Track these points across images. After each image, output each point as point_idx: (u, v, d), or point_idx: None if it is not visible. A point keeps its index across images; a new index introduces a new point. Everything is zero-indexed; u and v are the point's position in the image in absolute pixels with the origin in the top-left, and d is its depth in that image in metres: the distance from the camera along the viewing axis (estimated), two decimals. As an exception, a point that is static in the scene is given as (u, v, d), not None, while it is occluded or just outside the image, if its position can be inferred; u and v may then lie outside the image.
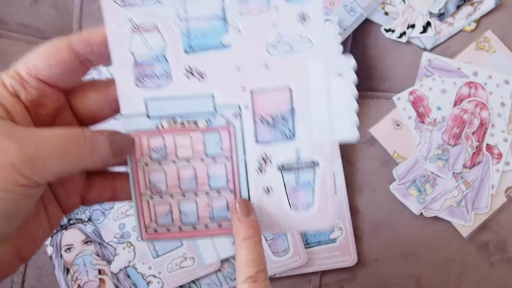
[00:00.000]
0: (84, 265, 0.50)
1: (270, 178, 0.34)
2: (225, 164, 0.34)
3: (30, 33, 0.53)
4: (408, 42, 0.52)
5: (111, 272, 0.50)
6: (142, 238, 0.35)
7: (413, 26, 0.52)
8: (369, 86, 0.54)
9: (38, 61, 0.30)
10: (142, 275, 0.50)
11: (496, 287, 0.52)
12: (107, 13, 0.32)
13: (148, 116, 0.33)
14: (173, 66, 0.33)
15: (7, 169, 0.25)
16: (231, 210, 0.34)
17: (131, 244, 0.50)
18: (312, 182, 0.34)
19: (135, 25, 0.32)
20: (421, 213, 0.52)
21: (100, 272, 0.50)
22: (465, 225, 0.51)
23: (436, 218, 0.52)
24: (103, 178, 0.35)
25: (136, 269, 0.50)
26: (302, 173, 0.34)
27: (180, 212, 0.35)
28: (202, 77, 0.33)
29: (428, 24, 0.52)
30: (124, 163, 0.34)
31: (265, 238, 0.51)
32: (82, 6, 0.53)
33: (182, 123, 0.33)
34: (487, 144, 0.51)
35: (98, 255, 0.50)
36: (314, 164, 0.34)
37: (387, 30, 0.52)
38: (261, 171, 0.34)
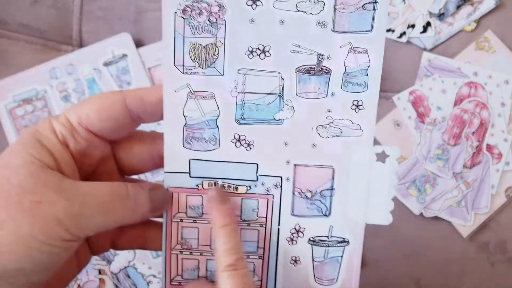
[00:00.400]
0: (84, 265, 0.50)
1: (299, 250, 0.35)
2: (259, 230, 0.35)
3: (30, 33, 0.53)
4: (408, 42, 0.52)
5: (111, 272, 0.50)
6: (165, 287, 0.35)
7: (413, 26, 0.52)
8: (369, 86, 0.54)
9: (90, 112, 0.30)
10: (142, 275, 0.50)
11: (496, 287, 0.52)
12: (167, 76, 0.32)
13: (190, 176, 0.34)
14: (223, 133, 0.33)
15: (54, 224, 0.26)
16: (208, 199, 0.34)
17: (131, 244, 0.51)
18: (340, 259, 0.35)
19: (192, 91, 0.33)
20: (421, 213, 0.52)
21: (100, 272, 0.50)
22: (465, 225, 0.51)
23: (436, 218, 0.52)
24: (136, 227, 0.35)
25: (136, 269, 0.50)
26: (332, 249, 0.35)
27: (206, 269, 0.35)
28: (250, 147, 0.33)
29: (428, 24, 0.52)
30: (160, 216, 0.34)
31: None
32: (82, 6, 0.53)
33: (223, 186, 0.34)
34: (487, 144, 0.51)
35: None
36: (344, 242, 0.35)
37: (387, 30, 0.52)
38: (292, 242, 0.35)
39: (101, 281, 0.50)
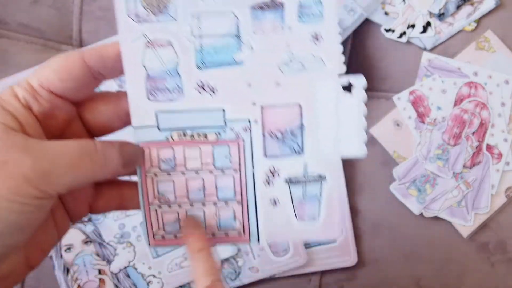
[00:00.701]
0: (84, 265, 0.50)
1: (277, 190, 0.34)
2: (234, 176, 0.34)
3: (30, 33, 0.53)
4: (408, 42, 0.52)
5: (111, 272, 0.50)
6: (149, 244, 0.35)
7: (413, 26, 0.52)
8: (369, 86, 0.54)
9: (50, 74, 0.30)
10: (142, 275, 0.50)
11: (496, 287, 0.52)
12: (121, 28, 0.32)
13: (158, 128, 0.34)
14: (185, 81, 0.33)
15: (21, 182, 0.26)
16: (182, 226, 0.34)
17: (131, 244, 0.50)
18: (319, 196, 0.35)
19: (149, 40, 0.32)
20: (421, 213, 0.52)
21: (100, 272, 0.50)
22: (465, 225, 0.51)
23: (436, 218, 0.52)
24: (111, 187, 0.35)
25: (136, 269, 0.50)
26: (309, 186, 0.35)
27: None
28: (214, 92, 0.33)
29: (428, 24, 0.52)
30: (134, 173, 0.34)
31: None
32: (82, 6, 0.53)
33: (192, 136, 0.34)
34: (487, 144, 0.51)
35: (98, 255, 0.50)
36: (321, 178, 0.34)
37: (387, 30, 0.52)
38: (268, 183, 0.35)
39: (101, 281, 0.50)
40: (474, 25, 0.52)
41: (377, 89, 0.54)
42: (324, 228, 0.35)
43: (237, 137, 0.34)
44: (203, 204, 0.35)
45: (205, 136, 0.34)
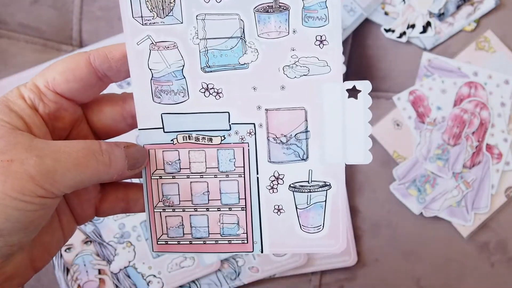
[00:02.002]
0: (84, 265, 0.50)
1: (281, 197, 0.34)
2: (238, 181, 0.34)
3: (30, 33, 0.53)
4: (408, 42, 0.52)
5: (111, 272, 0.50)
6: (153, 249, 0.35)
7: (413, 26, 0.52)
8: (369, 86, 0.54)
9: (56, 75, 0.30)
10: (142, 275, 0.50)
11: (496, 287, 0.52)
12: (127, 29, 0.32)
13: (164, 131, 0.34)
14: (190, 83, 0.33)
15: (26, 181, 0.26)
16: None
17: (131, 244, 0.50)
18: (324, 204, 0.34)
19: (154, 42, 0.33)
20: (421, 213, 0.52)
21: (100, 272, 0.50)
22: (465, 225, 0.51)
23: (436, 218, 0.52)
24: (117, 190, 0.35)
25: (136, 269, 0.50)
26: (314, 194, 0.34)
27: (191, 226, 0.35)
28: (219, 95, 0.33)
29: (428, 24, 0.52)
30: (139, 175, 0.34)
31: (265, 238, 0.51)
32: (82, 6, 0.53)
33: (197, 138, 0.34)
34: (487, 144, 0.51)
35: (98, 255, 0.50)
36: (326, 186, 0.34)
37: (387, 30, 0.52)
38: (273, 190, 0.34)
39: (101, 281, 0.50)
40: (474, 25, 0.52)
41: (377, 89, 0.54)
42: (328, 239, 0.35)
43: (242, 141, 0.34)
44: (207, 209, 0.35)
45: (210, 139, 0.34)
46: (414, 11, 0.52)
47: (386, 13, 0.52)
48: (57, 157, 0.27)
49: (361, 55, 0.53)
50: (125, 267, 0.50)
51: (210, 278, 0.51)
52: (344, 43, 0.52)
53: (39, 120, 0.30)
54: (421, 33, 0.52)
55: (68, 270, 0.50)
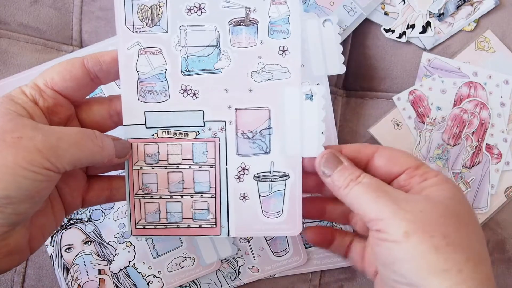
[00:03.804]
0: (84, 265, 0.50)
1: (247, 186, 0.39)
2: (209, 171, 0.39)
3: (30, 33, 0.53)
4: (408, 42, 0.52)
5: (111, 272, 0.50)
6: (131, 233, 0.40)
7: (413, 26, 0.52)
8: (369, 86, 0.54)
9: (54, 75, 0.35)
10: (142, 274, 0.51)
11: (496, 287, 0.52)
12: (120, 36, 0.38)
13: (146, 127, 0.38)
14: (171, 85, 0.38)
15: (34, 154, 0.30)
16: (318, 171, 0.37)
17: (131, 244, 0.51)
18: (283, 192, 0.39)
19: (142, 48, 0.38)
20: (421, 213, 0.52)
21: (100, 272, 0.50)
22: (465, 225, 0.51)
23: (436, 218, 0.52)
24: (101, 181, 0.40)
25: (136, 268, 0.51)
26: (275, 183, 0.39)
27: (166, 212, 0.40)
28: (196, 96, 0.38)
29: (428, 24, 0.52)
30: (121, 166, 0.39)
31: (265, 238, 0.51)
32: (82, 6, 0.53)
33: (175, 134, 0.39)
34: (486, 144, 0.51)
35: (98, 255, 0.50)
36: (285, 176, 0.39)
37: (387, 30, 0.52)
38: (239, 179, 0.39)
39: (101, 281, 0.50)
40: (473, 25, 0.52)
41: (377, 89, 0.54)
42: (287, 223, 0.39)
43: (214, 136, 0.39)
44: (181, 197, 0.39)
45: (186, 134, 0.39)
46: (414, 11, 0.52)
47: (386, 13, 0.52)
48: (60, 137, 0.31)
49: (361, 55, 0.53)
50: (125, 267, 0.50)
51: (210, 278, 0.51)
52: (344, 43, 0.52)
53: (39, 112, 0.34)
54: (421, 33, 0.52)
55: (68, 270, 0.50)
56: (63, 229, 0.50)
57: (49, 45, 0.53)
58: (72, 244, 0.51)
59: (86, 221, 0.51)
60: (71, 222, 0.51)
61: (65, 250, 0.50)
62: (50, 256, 0.51)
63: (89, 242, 0.50)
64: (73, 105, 0.37)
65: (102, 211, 0.51)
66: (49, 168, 0.30)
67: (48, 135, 0.31)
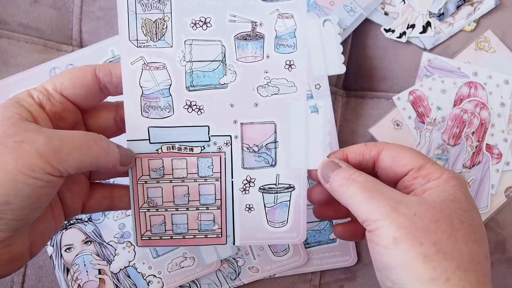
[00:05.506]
0: (84, 265, 0.50)
1: (252, 198, 0.39)
2: (215, 184, 0.39)
3: (30, 33, 0.53)
4: (408, 42, 0.52)
5: (111, 272, 0.50)
6: (137, 244, 0.40)
7: (413, 26, 0.52)
8: (369, 86, 0.54)
9: (64, 80, 0.35)
10: (142, 275, 0.51)
11: (496, 287, 0.52)
12: (124, 50, 0.37)
13: (149, 142, 0.38)
14: (176, 100, 0.38)
15: (36, 158, 0.29)
16: (320, 178, 0.38)
17: (131, 244, 0.50)
18: (288, 203, 0.39)
19: (146, 63, 0.37)
20: (421, 213, 0.52)
21: (100, 272, 0.50)
22: (465, 225, 0.51)
23: (436, 218, 0.52)
24: (103, 188, 0.40)
25: (136, 269, 0.51)
26: (280, 194, 0.39)
27: (172, 223, 0.39)
28: (201, 111, 0.38)
29: (428, 24, 0.52)
30: (125, 174, 0.39)
31: (265, 238, 0.51)
32: (82, 6, 0.53)
33: (180, 148, 0.38)
34: (487, 144, 0.51)
35: (98, 255, 0.50)
36: (290, 188, 0.39)
37: (387, 30, 0.52)
38: (245, 191, 0.39)
39: (101, 281, 0.50)
40: (473, 25, 0.52)
41: (377, 89, 0.54)
42: (291, 232, 0.40)
43: (219, 150, 0.38)
44: (187, 209, 0.39)
45: (191, 149, 0.38)
46: (414, 11, 0.52)
47: (386, 13, 0.52)
48: (63, 140, 0.31)
49: (361, 55, 0.53)
50: (125, 267, 0.50)
51: (210, 278, 0.51)
52: (344, 43, 0.52)
53: (45, 116, 0.34)
54: (421, 33, 0.52)
55: (68, 270, 0.50)
56: (63, 229, 0.50)
57: (49, 45, 0.53)
58: (72, 244, 0.51)
59: (86, 221, 0.51)
60: (71, 222, 0.51)
61: (65, 250, 0.50)
62: (50, 256, 0.51)
63: (89, 242, 0.50)
64: (81, 110, 0.37)
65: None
66: (50, 172, 0.30)
67: (50, 138, 0.30)
